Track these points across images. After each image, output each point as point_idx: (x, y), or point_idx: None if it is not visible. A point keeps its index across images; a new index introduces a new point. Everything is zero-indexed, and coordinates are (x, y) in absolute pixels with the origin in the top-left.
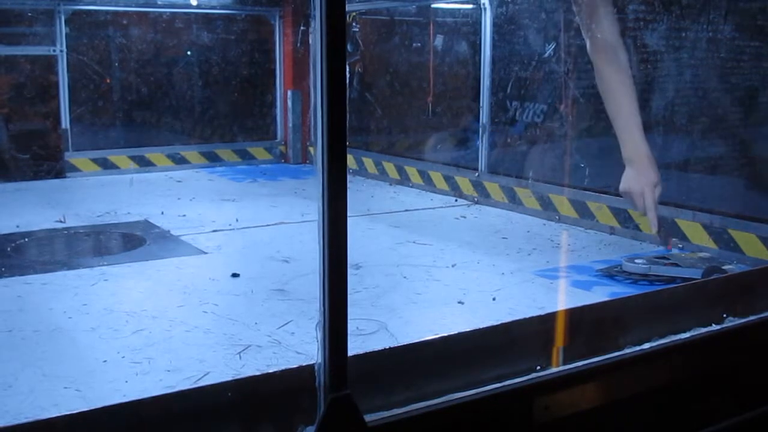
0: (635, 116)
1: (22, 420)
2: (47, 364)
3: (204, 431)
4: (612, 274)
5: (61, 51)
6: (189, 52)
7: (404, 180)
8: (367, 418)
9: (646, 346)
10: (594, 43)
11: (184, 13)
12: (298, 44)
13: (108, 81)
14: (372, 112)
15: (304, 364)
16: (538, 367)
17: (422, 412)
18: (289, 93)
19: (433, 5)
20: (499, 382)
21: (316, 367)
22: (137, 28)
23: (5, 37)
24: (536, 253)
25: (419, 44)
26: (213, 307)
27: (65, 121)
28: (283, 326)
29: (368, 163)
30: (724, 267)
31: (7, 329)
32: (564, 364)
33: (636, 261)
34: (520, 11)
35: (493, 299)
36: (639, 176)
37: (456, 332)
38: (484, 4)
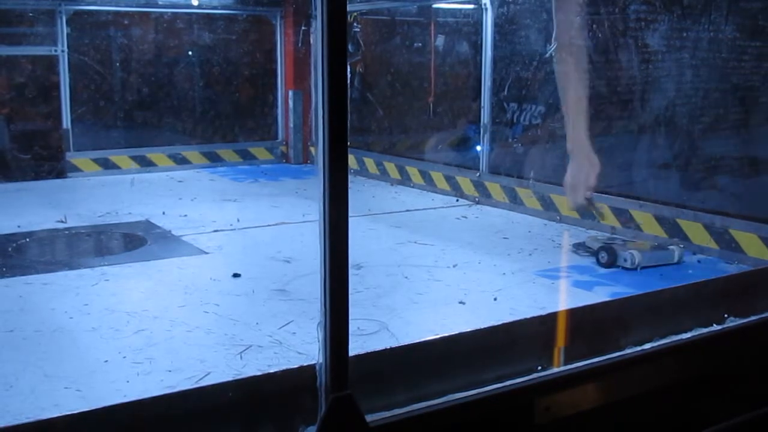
0: (585, 114)
1: (24, 420)
2: (48, 364)
3: (205, 431)
4: (581, 251)
5: (63, 51)
6: (190, 53)
7: (405, 180)
8: (368, 418)
9: (648, 346)
10: (568, 46)
11: (186, 13)
12: (299, 44)
13: (109, 81)
14: (373, 112)
15: (305, 364)
16: (540, 368)
17: (423, 413)
18: (290, 93)
19: (434, 5)
20: (501, 383)
21: (317, 367)
22: (138, 29)
23: (6, 38)
24: (537, 254)
25: (420, 44)
26: (214, 308)
27: (66, 121)
28: (284, 326)
29: (369, 163)
30: (669, 247)
31: (8, 329)
32: (565, 364)
33: (598, 238)
34: (521, 11)
35: (495, 299)
36: (579, 169)
37: (457, 332)
38: (485, 4)
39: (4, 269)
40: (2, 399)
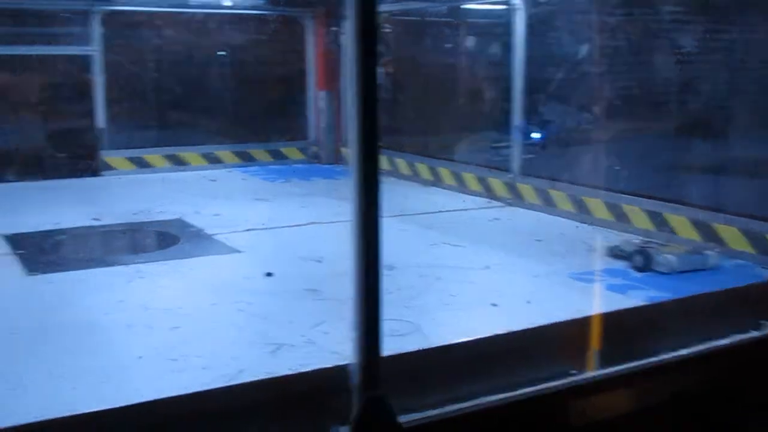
0: None
1: (62, 414)
2: (84, 359)
3: (237, 429)
4: (615, 254)
5: (97, 51)
6: (222, 53)
7: (437, 181)
8: (401, 419)
9: (683, 351)
10: None
11: (218, 14)
12: (330, 45)
13: (143, 80)
14: (403, 113)
15: (337, 363)
16: (574, 371)
17: (456, 414)
18: (321, 94)
19: (465, 6)
20: (534, 386)
21: (350, 367)
22: (171, 29)
23: (42, 38)
24: (570, 256)
25: (450, 45)
26: (247, 306)
27: (101, 120)
28: (317, 326)
29: (401, 163)
30: (705, 251)
31: (45, 325)
32: (600, 368)
33: (633, 242)
34: (553, 12)
35: (528, 302)
36: None
37: (490, 334)
38: (516, 4)
39: (41, 265)
40: (40, 393)
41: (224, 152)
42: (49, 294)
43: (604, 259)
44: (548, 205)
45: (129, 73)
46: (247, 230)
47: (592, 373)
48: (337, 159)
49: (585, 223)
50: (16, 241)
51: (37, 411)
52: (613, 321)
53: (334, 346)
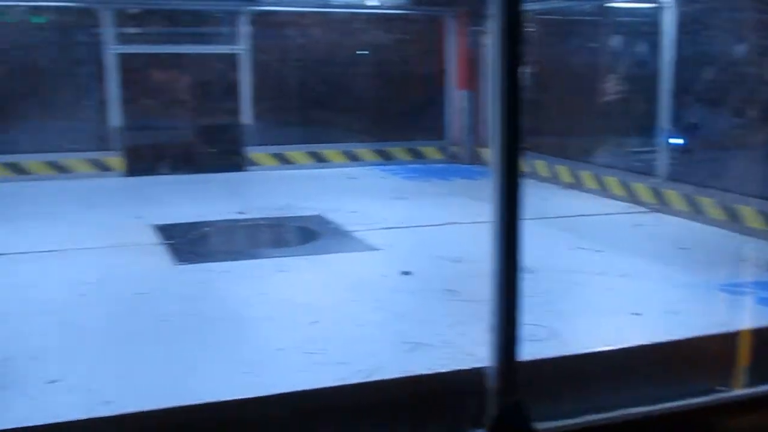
0: None
1: (204, 401)
2: (227, 348)
3: (373, 425)
4: None
5: (245, 50)
6: (364, 52)
7: (577, 184)
8: (538, 425)
9: None
10: None
11: (360, 13)
12: (471, 45)
13: (286, 79)
14: (544, 114)
15: (474, 366)
16: (720, 388)
17: (594, 424)
18: (462, 93)
19: (610, 4)
20: (677, 401)
21: (487, 371)
22: (315, 29)
23: (193, 37)
24: (719, 266)
25: (595, 44)
26: (384, 304)
27: (247, 117)
28: (453, 326)
29: (540, 165)
30: None
31: (191, 313)
32: (748, 386)
33: None
34: (706, 10)
35: (672, 312)
36: None
37: (632, 345)
38: (666, 2)
39: (190, 256)
40: (185, 380)
41: (364, 150)
42: (196, 284)
43: (756, 270)
44: (696, 212)
45: (274, 71)
46: (385, 228)
47: (740, 390)
48: (476, 159)
49: (735, 232)
50: (167, 231)
51: (177, 397)
52: (764, 336)
53: (471, 348)
